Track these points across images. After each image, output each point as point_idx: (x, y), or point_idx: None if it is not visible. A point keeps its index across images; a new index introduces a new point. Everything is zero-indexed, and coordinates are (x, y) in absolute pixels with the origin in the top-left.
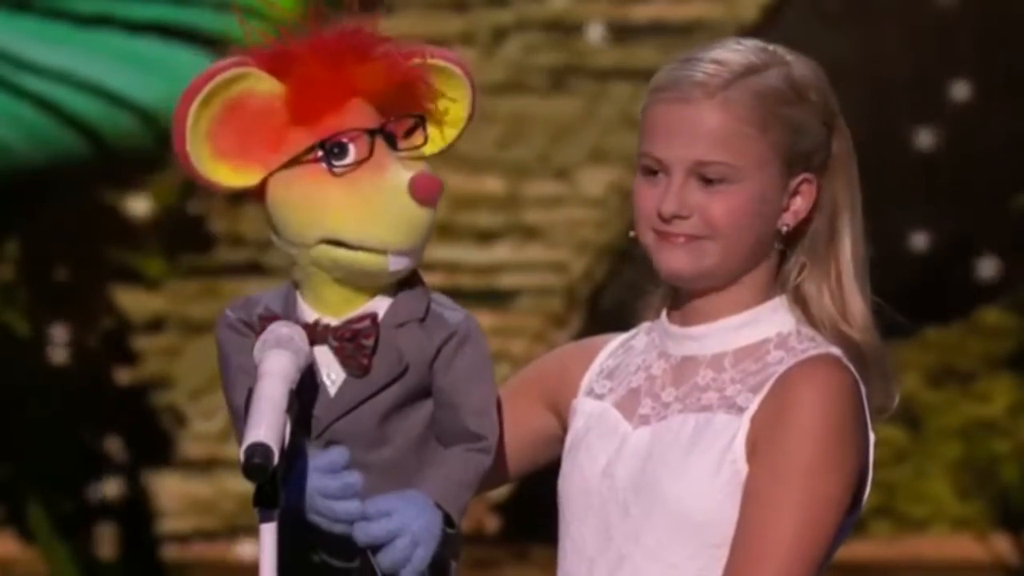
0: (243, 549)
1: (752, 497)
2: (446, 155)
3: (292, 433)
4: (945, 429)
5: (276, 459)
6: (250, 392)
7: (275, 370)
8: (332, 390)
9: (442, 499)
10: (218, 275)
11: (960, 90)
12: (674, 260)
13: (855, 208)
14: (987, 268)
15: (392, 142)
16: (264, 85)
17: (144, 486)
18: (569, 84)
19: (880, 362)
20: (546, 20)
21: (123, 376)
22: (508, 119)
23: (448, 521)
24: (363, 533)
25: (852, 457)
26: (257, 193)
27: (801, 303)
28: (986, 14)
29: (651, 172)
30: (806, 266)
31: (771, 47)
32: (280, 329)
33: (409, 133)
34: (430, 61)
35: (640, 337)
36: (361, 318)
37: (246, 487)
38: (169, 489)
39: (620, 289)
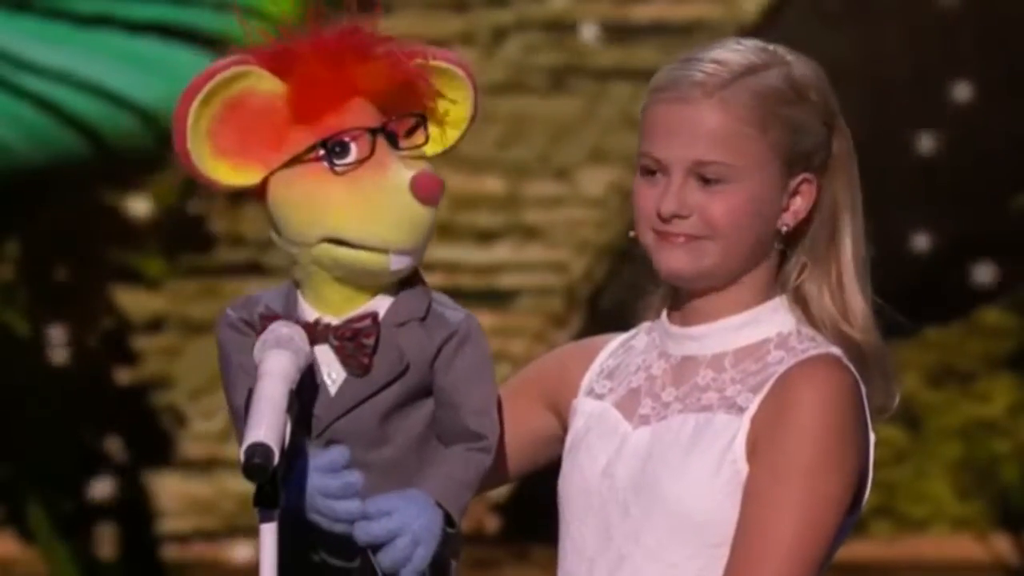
0: (238, 552)
1: (752, 497)
2: (446, 155)
3: (292, 433)
4: (945, 429)
5: (276, 459)
6: (250, 392)
7: (275, 370)
8: (333, 389)
9: (443, 498)
10: (218, 275)
11: (961, 91)
12: (674, 260)
13: (856, 208)
14: (987, 270)
15: (394, 141)
16: (265, 84)
17: (144, 486)
18: (569, 84)
19: (881, 362)
20: (546, 20)
21: (123, 376)
22: (508, 119)
23: (449, 520)
24: (363, 532)
25: (852, 457)
26: (258, 192)
27: (801, 303)
28: (987, 14)
29: (650, 172)
30: (807, 266)
31: (771, 47)
32: (280, 329)
33: (410, 132)
34: (432, 62)
35: (640, 337)
36: (362, 317)
37: (246, 487)
38: (169, 489)
39: (620, 289)
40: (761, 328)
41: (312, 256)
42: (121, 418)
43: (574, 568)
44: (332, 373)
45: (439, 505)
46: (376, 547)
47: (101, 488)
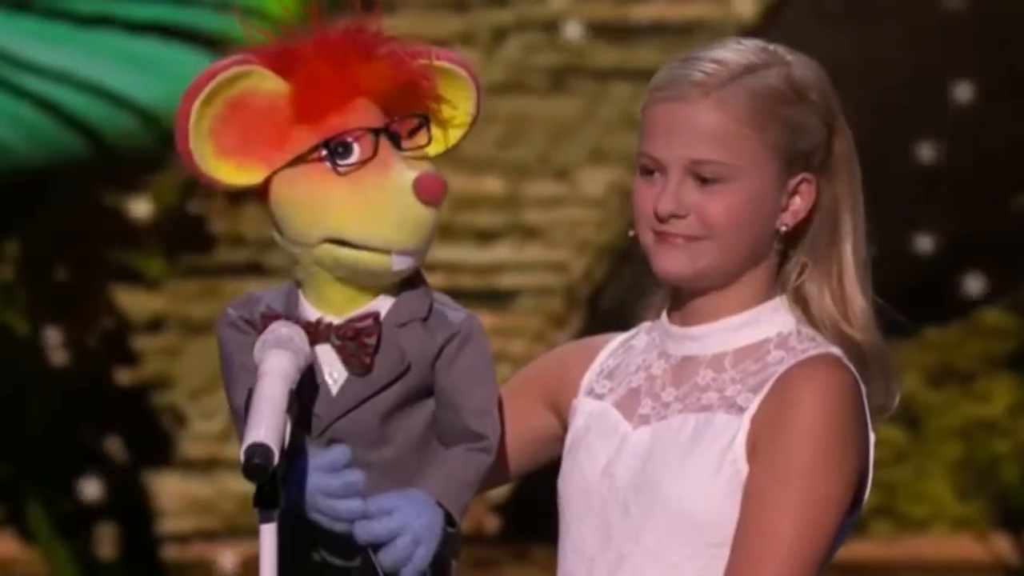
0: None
1: (752, 497)
2: (446, 155)
3: (293, 433)
4: (945, 429)
5: (276, 459)
6: (250, 392)
7: (275, 370)
8: (334, 389)
9: (443, 498)
10: (218, 275)
11: (962, 91)
12: (671, 262)
13: (857, 208)
14: (986, 270)
15: (396, 142)
16: (268, 83)
17: (144, 486)
18: (569, 84)
19: (881, 362)
20: (546, 20)
21: (123, 376)
22: (508, 119)
23: (449, 520)
24: (364, 532)
25: (852, 457)
26: (259, 192)
27: (802, 303)
28: (988, 15)
29: (649, 172)
30: (807, 266)
31: (772, 47)
32: (280, 329)
33: (413, 133)
34: (435, 63)
35: (640, 337)
36: (363, 317)
37: (246, 487)
38: (169, 489)
39: (620, 289)
40: (761, 328)
41: (314, 256)
42: (121, 418)
43: (574, 568)
44: (333, 373)
45: (440, 505)
46: (377, 546)
47: (101, 488)
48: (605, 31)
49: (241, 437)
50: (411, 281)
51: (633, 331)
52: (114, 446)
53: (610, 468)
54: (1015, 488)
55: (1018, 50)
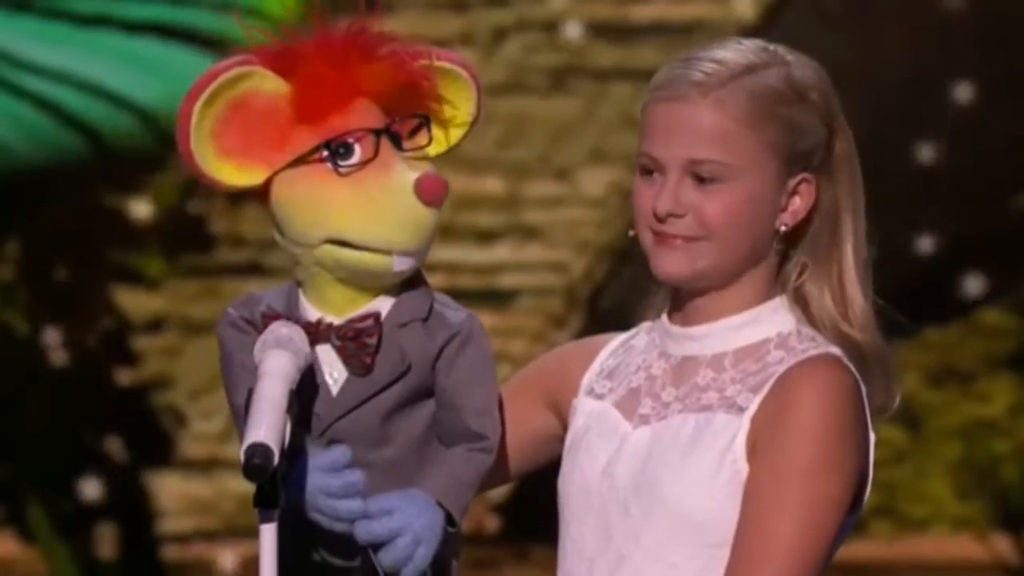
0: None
1: (752, 497)
2: (446, 155)
3: (293, 433)
4: (945, 429)
5: (276, 459)
6: (250, 392)
7: (275, 370)
8: (334, 389)
9: (444, 498)
10: (218, 275)
11: (962, 92)
12: (670, 263)
13: (857, 209)
14: (986, 270)
15: (397, 142)
16: (269, 84)
17: (144, 486)
18: (569, 84)
19: (882, 362)
20: (546, 20)
21: (123, 376)
22: (508, 119)
23: (449, 520)
24: (364, 531)
25: (852, 457)
26: (260, 193)
27: (802, 303)
28: (988, 15)
29: (648, 172)
30: (807, 267)
31: (772, 47)
32: (280, 329)
33: (414, 133)
34: (436, 63)
35: (640, 337)
36: (364, 317)
37: (246, 487)
38: (169, 489)
39: (620, 289)
40: (761, 328)
41: (315, 257)
42: (121, 418)
43: (574, 568)
44: (334, 373)
45: (440, 505)
46: (377, 546)
47: (101, 488)
48: (605, 31)
49: (241, 437)
50: (412, 281)
51: (633, 331)
52: (114, 446)
53: (610, 468)
54: (1015, 488)
55: (1018, 50)
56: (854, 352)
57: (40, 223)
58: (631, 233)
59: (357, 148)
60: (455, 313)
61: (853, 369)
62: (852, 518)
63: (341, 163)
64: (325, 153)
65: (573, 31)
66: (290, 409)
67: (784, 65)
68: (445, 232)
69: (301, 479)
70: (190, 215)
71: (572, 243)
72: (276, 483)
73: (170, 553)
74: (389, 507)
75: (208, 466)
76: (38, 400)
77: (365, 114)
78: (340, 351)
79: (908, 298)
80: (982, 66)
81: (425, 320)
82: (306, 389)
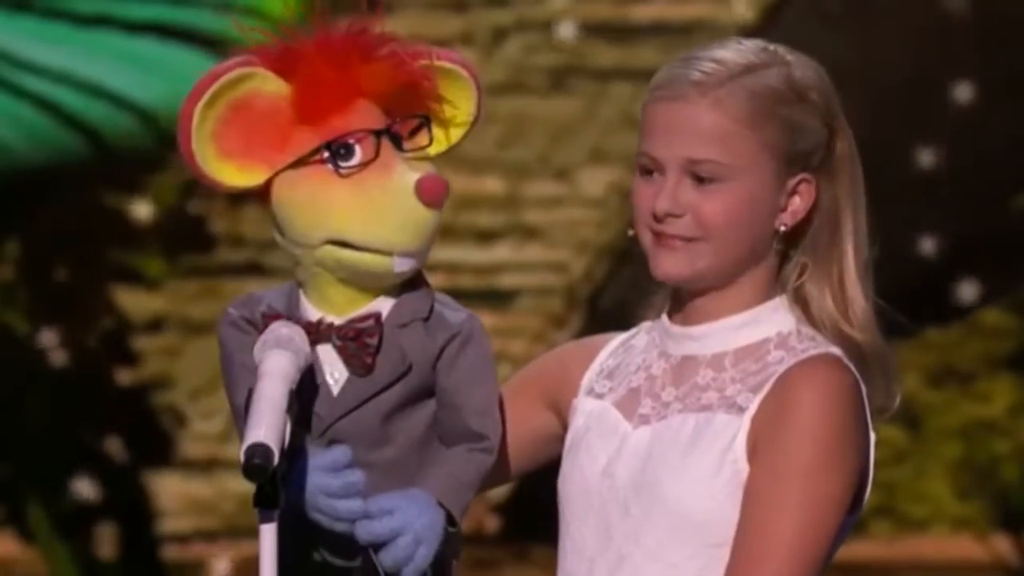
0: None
1: (753, 497)
2: (446, 155)
3: (293, 433)
4: (945, 429)
5: (276, 459)
6: (251, 392)
7: (275, 370)
8: (335, 389)
9: (444, 498)
10: (218, 275)
11: (962, 92)
12: (669, 264)
13: (858, 209)
14: (986, 270)
15: (398, 143)
16: (269, 85)
17: (144, 486)
18: (569, 84)
19: (882, 362)
20: (546, 20)
21: (123, 376)
22: (508, 119)
23: (450, 520)
24: (365, 531)
25: (853, 457)
26: (260, 193)
27: (802, 303)
28: (988, 15)
29: (648, 171)
30: (807, 267)
31: (772, 47)
32: (280, 329)
33: (414, 133)
34: (436, 63)
35: (640, 336)
36: (365, 317)
37: (246, 487)
38: (169, 489)
39: (620, 289)
40: (761, 328)
41: (316, 258)
42: (121, 418)
43: (574, 568)
44: (335, 373)
45: (441, 505)
46: (378, 546)
47: (101, 488)
48: (605, 31)
49: (242, 437)
50: (412, 282)
51: (633, 331)
52: (114, 446)
53: (610, 468)
54: (1015, 488)
55: (1018, 50)
56: (854, 352)
57: (40, 223)
58: (630, 233)
59: (358, 149)
60: (456, 313)
61: (853, 369)
62: (852, 518)
63: (342, 164)
64: (326, 154)
65: (567, 31)
66: (290, 409)
67: (784, 65)
68: (445, 232)
69: (301, 479)
70: (190, 215)
71: (572, 243)
72: (276, 483)
73: (170, 553)
74: (390, 507)
75: (208, 466)
76: (38, 400)
77: (366, 115)
78: (341, 351)
79: (908, 299)
80: (982, 66)
81: (426, 320)
82: (307, 389)
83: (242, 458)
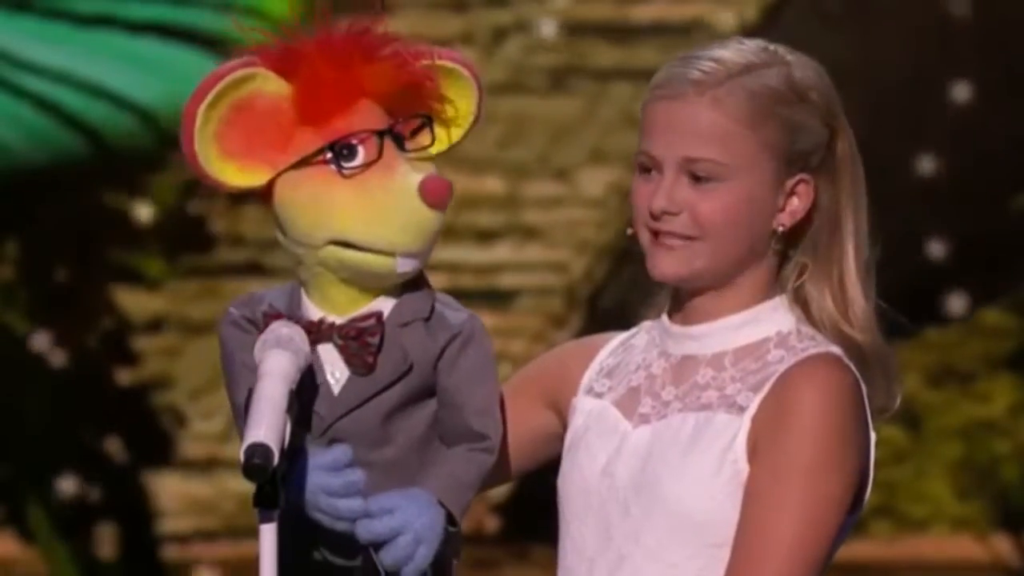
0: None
1: (753, 497)
2: (446, 155)
3: (293, 432)
4: (945, 429)
5: (276, 459)
6: (251, 392)
7: (275, 370)
8: (336, 388)
9: (445, 497)
10: (218, 275)
11: (961, 92)
12: (665, 264)
13: (858, 210)
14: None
15: (401, 143)
16: (272, 86)
17: (144, 486)
18: (569, 84)
19: (882, 362)
20: (546, 20)
21: (123, 376)
22: (508, 119)
23: (450, 519)
24: (365, 531)
25: (853, 457)
26: (262, 193)
27: (802, 303)
28: (987, 16)
29: (647, 170)
30: (807, 267)
31: (773, 47)
32: (280, 329)
33: (415, 132)
34: (438, 62)
35: (640, 336)
36: (366, 316)
37: (246, 487)
38: (169, 489)
39: (620, 289)
40: (761, 327)
41: (318, 258)
42: (121, 418)
43: (574, 568)
44: (336, 372)
45: (441, 504)
46: (378, 545)
47: (101, 488)
48: (605, 31)
49: (242, 436)
50: (414, 281)
51: (633, 330)
52: (114, 446)
53: (610, 467)
54: (1015, 488)
55: (1017, 51)
56: (855, 352)
57: (40, 223)
58: (629, 231)
59: (360, 149)
60: (457, 313)
61: (853, 368)
62: (852, 518)
63: (345, 165)
64: (329, 155)
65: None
66: (290, 409)
67: (784, 65)
68: (446, 232)
69: (302, 478)
70: (190, 215)
71: (572, 243)
72: (276, 483)
73: (170, 553)
74: (390, 506)
75: (208, 466)
76: (38, 400)
77: (368, 115)
78: (342, 350)
79: (907, 299)
80: (981, 67)
81: (427, 320)
82: (307, 389)
83: (242, 458)
